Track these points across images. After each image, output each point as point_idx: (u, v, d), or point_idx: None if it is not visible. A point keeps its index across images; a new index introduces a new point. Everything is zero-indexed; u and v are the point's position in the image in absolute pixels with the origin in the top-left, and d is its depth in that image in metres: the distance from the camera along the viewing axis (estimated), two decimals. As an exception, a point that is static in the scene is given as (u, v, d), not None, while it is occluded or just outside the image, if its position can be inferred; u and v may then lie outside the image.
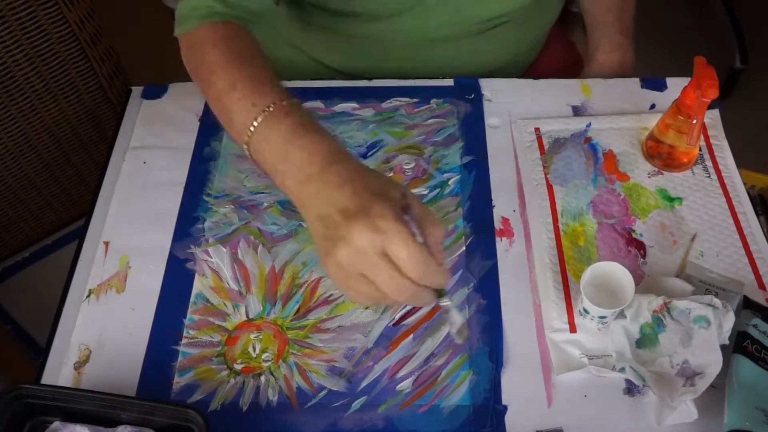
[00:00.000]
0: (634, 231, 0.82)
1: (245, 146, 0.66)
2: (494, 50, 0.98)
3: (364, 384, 0.72)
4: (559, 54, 1.11)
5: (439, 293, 0.59)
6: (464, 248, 0.81)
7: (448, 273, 0.59)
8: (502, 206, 0.85)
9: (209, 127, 0.92)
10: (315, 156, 0.61)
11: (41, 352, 0.76)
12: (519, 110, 0.93)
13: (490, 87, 0.95)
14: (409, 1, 0.88)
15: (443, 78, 0.97)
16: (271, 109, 0.64)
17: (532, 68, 1.10)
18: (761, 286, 0.77)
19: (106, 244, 0.83)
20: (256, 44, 0.74)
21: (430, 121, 0.92)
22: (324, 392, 0.72)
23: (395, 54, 0.96)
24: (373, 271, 0.56)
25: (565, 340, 0.74)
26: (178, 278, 0.80)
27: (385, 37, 0.94)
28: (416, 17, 0.91)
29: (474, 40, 0.96)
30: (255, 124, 0.64)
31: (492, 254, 0.81)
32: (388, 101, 0.94)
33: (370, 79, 0.96)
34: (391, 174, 0.87)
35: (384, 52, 0.96)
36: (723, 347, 0.69)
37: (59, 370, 0.74)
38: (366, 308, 0.77)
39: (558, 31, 1.14)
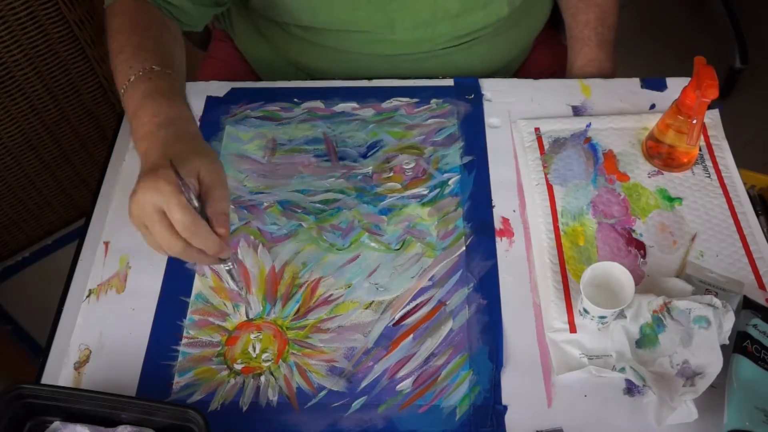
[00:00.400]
0: (634, 231, 0.82)
1: (124, 104, 0.76)
2: (472, 62, 0.99)
3: (364, 384, 0.72)
4: (548, 57, 1.11)
5: (222, 260, 0.69)
6: (464, 248, 0.81)
7: (221, 242, 0.66)
8: (502, 206, 0.85)
9: (209, 127, 0.92)
10: (154, 118, 0.70)
11: (41, 352, 0.76)
12: (519, 110, 0.93)
13: (490, 87, 0.95)
14: (375, 21, 0.91)
15: (443, 78, 0.97)
16: (140, 73, 0.74)
17: (522, 72, 1.10)
18: (761, 286, 0.77)
19: (106, 244, 0.83)
20: (156, 20, 0.82)
21: (430, 121, 0.92)
22: (324, 392, 0.72)
23: (367, 65, 0.98)
24: (150, 224, 0.65)
25: (565, 340, 0.74)
26: (178, 278, 0.80)
27: (355, 50, 0.96)
28: (387, 34, 0.93)
29: (448, 53, 0.97)
30: (126, 83, 0.74)
31: (492, 254, 0.81)
32: (388, 101, 0.94)
33: (370, 79, 0.96)
34: (392, 174, 0.87)
35: (354, 63, 0.97)
36: (723, 347, 0.69)
37: (59, 370, 0.74)
38: (366, 308, 0.77)
39: (549, 34, 1.14)
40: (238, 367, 0.74)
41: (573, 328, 0.74)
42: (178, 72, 0.79)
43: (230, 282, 0.76)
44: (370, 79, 0.96)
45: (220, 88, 0.96)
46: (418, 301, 0.78)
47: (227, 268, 0.72)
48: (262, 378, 0.73)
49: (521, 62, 1.09)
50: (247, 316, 0.77)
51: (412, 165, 0.88)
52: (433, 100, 0.94)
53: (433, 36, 0.95)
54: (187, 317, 0.77)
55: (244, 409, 0.71)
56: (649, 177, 0.86)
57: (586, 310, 0.73)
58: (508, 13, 0.94)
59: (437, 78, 0.97)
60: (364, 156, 0.89)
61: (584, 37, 1.00)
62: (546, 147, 0.89)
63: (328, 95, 0.95)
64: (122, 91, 0.75)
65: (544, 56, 1.11)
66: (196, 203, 0.65)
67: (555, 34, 1.17)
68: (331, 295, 0.78)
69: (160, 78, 0.74)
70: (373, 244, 0.82)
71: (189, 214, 0.63)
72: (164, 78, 0.75)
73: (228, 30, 1.10)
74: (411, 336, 0.75)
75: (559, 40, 1.17)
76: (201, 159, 0.67)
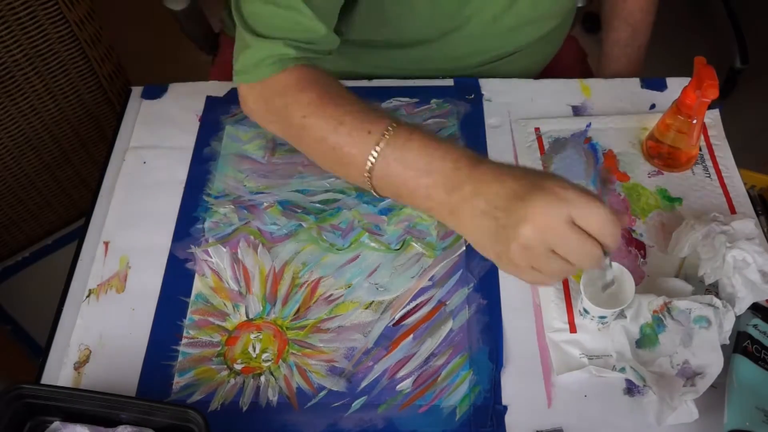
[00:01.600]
0: (634, 231, 0.82)
1: (366, 176, 0.65)
2: (512, 72, 0.99)
3: (364, 384, 0.72)
4: (563, 51, 1.11)
5: (606, 252, 0.60)
6: (464, 248, 0.81)
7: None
8: (502, 206, 0.84)
9: (209, 127, 0.92)
10: (459, 162, 0.61)
11: (41, 352, 0.76)
12: (519, 110, 0.93)
13: (490, 87, 0.95)
14: (440, 29, 0.89)
15: (443, 78, 0.97)
16: (391, 131, 0.64)
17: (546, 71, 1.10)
18: (761, 286, 0.77)
19: (106, 244, 0.83)
20: (337, 81, 0.73)
21: (430, 121, 0.92)
22: (324, 392, 0.72)
23: (402, 68, 0.96)
24: (564, 242, 0.56)
25: (565, 340, 0.74)
26: (178, 278, 0.80)
27: (398, 65, 0.95)
28: (435, 46, 0.91)
29: (490, 68, 0.97)
30: (378, 149, 0.64)
31: (492, 254, 0.81)
32: (388, 101, 0.94)
33: (370, 79, 0.96)
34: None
35: (388, 68, 0.96)
36: (723, 347, 0.69)
37: (59, 370, 0.74)
38: (366, 308, 0.77)
39: (573, 39, 1.15)
40: (238, 367, 0.74)
41: (573, 328, 0.74)
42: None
43: (605, 274, 0.66)
44: (370, 79, 0.96)
45: (220, 88, 0.96)
46: (418, 301, 0.78)
47: (605, 264, 0.63)
48: (262, 378, 0.73)
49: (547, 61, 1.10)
50: (246, 316, 0.77)
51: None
52: (433, 100, 0.94)
53: (481, 50, 0.93)
54: (187, 317, 0.77)
55: (244, 409, 0.71)
56: (649, 177, 0.86)
57: (586, 310, 0.73)
58: (554, 26, 0.94)
59: (437, 78, 0.96)
60: (364, 156, 0.89)
61: (614, 55, 1.03)
62: (546, 147, 0.89)
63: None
64: (371, 161, 0.64)
65: (563, 51, 1.11)
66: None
67: (576, 40, 1.18)
68: (331, 295, 0.78)
69: (416, 128, 0.65)
70: (373, 244, 0.82)
71: (608, 209, 0.56)
72: (417, 127, 0.65)
73: None
74: (411, 336, 0.75)
75: (569, 34, 1.17)
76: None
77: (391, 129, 0.64)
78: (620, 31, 1.02)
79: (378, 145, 0.64)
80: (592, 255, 0.57)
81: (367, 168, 0.65)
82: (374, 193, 0.68)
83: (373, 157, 0.64)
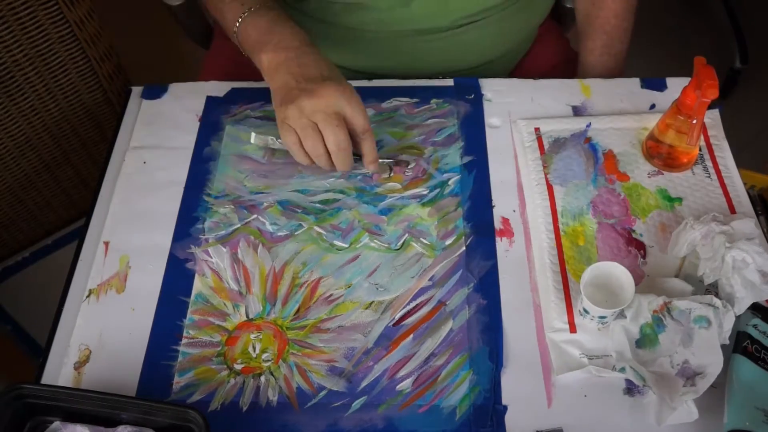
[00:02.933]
0: (634, 231, 0.82)
1: (234, 34, 0.84)
2: (483, 43, 0.98)
3: (364, 384, 0.72)
4: (551, 50, 1.11)
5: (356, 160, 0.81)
6: (464, 248, 0.81)
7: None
8: (502, 206, 0.85)
9: (209, 127, 0.92)
10: (296, 35, 0.80)
11: (41, 352, 0.76)
12: (519, 110, 0.93)
13: (490, 87, 0.95)
14: None
15: (441, 77, 0.97)
16: (259, 6, 0.82)
17: (524, 63, 1.09)
18: (761, 286, 0.77)
19: (106, 244, 0.83)
20: None
21: (430, 121, 0.92)
22: (324, 392, 0.72)
23: (380, 46, 0.97)
24: (326, 121, 0.75)
25: (565, 340, 0.74)
26: (178, 278, 0.80)
27: (369, 28, 0.95)
28: (399, 7, 0.91)
29: (462, 31, 0.96)
30: (241, 16, 0.82)
31: (492, 254, 0.81)
32: (388, 101, 0.94)
33: (369, 78, 0.96)
34: (392, 174, 0.87)
35: (367, 43, 0.97)
36: (723, 347, 0.69)
37: (59, 370, 0.74)
38: (366, 308, 0.77)
39: (551, 27, 1.14)
40: (238, 367, 0.74)
41: (573, 328, 0.74)
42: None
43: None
44: (370, 78, 0.96)
45: (220, 88, 0.96)
46: (418, 301, 0.78)
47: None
48: (262, 378, 0.73)
49: (525, 51, 1.09)
50: (246, 315, 0.77)
51: (412, 165, 0.88)
52: (433, 100, 0.94)
53: (447, 11, 0.93)
54: (187, 317, 0.77)
55: (244, 409, 0.71)
56: (649, 177, 0.86)
57: (586, 310, 0.73)
58: None
59: (437, 78, 0.97)
60: (364, 156, 0.89)
61: (589, 63, 1.01)
62: (546, 147, 0.89)
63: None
64: (237, 25, 0.82)
65: (547, 48, 1.11)
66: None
67: (557, 27, 1.17)
68: (331, 295, 0.78)
69: (280, 9, 0.82)
70: (373, 244, 0.82)
71: (368, 118, 0.77)
72: (283, 9, 0.83)
73: None
74: (411, 336, 0.75)
75: (561, 33, 1.17)
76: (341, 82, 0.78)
77: (258, 5, 0.82)
78: (596, 39, 0.99)
79: (244, 14, 0.82)
80: (338, 142, 0.76)
81: (234, 30, 0.83)
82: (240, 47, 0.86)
83: (238, 23, 0.82)
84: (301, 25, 0.99)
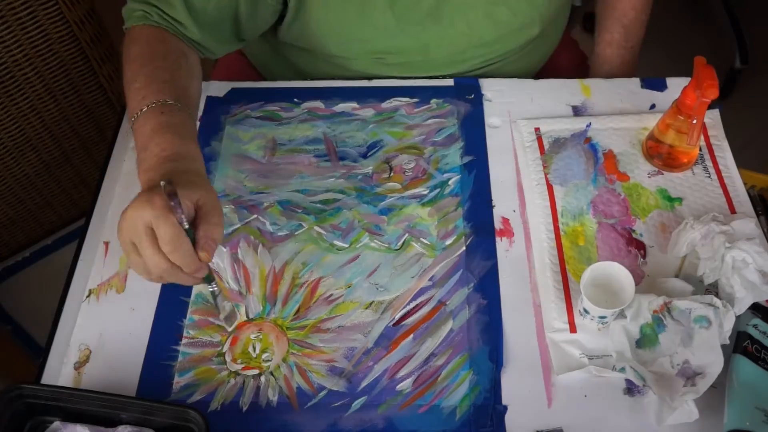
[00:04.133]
0: (634, 231, 0.82)
1: (130, 126, 0.76)
2: (502, 74, 0.99)
3: (364, 384, 0.72)
4: (563, 55, 1.11)
5: (207, 278, 0.69)
6: (464, 248, 0.81)
7: (198, 263, 0.65)
8: (502, 206, 0.85)
9: (209, 127, 0.92)
10: (163, 152, 0.70)
11: (41, 352, 0.75)
12: (519, 110, 0.93)
13: (490, 87, 0.95)
14: (406, 51, 0.91)
15: (443, 78, 0.97)
16: (153, 105, 0.74)
17: (539, 74, 1.10)
18: (761, 286, 0.77)
19: (106, 244, 0.83)
20: (175, 51, 0.81)
21: (430, 121, 0.92)
22: (324, 392, 0.72)
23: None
24: (138, 240, 0.64)
25: (565, 340, 0.74)
26: (178, 278, 0.80)
27: (386, 74, 0.96)
28: (419, 57, 0.93)
29: (481, 74, 0.97)
30: (138, 113, 0.74)
31: (492, 254, 0.81)
32: (388, 101, 0.94)
33: (370, 79, 0.96)
34: (392, 174, 0.87)
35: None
36: (723, 347, 0.69)
37: (59, 370, 0.74)
38: (366, 308, 0.77)
39: (567, 44, 1.15)
40: (238, 367, 0.74)
41: (573, 328, 0.74)
42: (192, 105, 0.79)
43: (226, 304, 0.75)
44: (370, 79, 0.96)
45: (220, 88, 0.96)
46: (418, 301, 0.78)
47: (210, 289, 0.71)
48: (262, 378, 0.73)
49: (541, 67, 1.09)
50: (246, 315, 0.77)
51: (412, 165, 0.88)
52: (433, 100, 0.94)
53: (465, 59, 0.95)
54: (187, 317, 0.77)
55: (244, 409, 0.71)
56: (649, 177, 0.86)
57: (586, 310, 0.73)
58: (539, 32, 0.94)
59: (437, 78, 0.97)
60: (364, 156, 0.89)
61: (607, 55, 1.02)
62: (546, 147, 0.89)
63: (328, 95, 0.95)
64: (132, 119, 0.74)
65: (562, 54, 1.11)
66: (186, 225, 0.64)
67: (566, 31, 1.17)
68: (331, 295, 0.78)
69: (172, 113, 0.74)
70: (373, 244, 0.82)
71: (174, 228, 0.62)
72: (176, 113, 0.74)
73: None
74: (411, 336, 0.75)
75: (570, 38, 1.17)
76: (202, 188, 0.67)
77: (154, 104, 0.74)
78: (613, 31, 1.01)
79: (141, 110, 0.74)
80: (157, 262, 0.63)
81: (131, 125, 0.76)
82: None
83: (134, 118, 0.75)
84: (310, 68, 0.98)
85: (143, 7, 0.81)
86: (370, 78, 0.96)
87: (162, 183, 0.63)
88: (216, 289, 0.71)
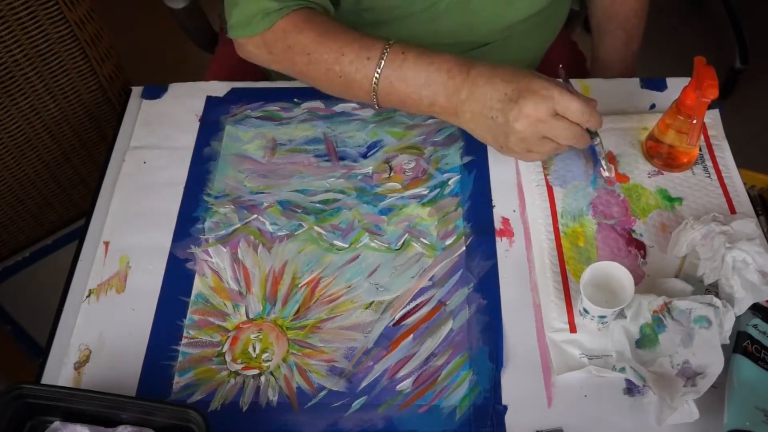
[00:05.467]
0: (634, 231, 0.82)
1: (373, 96, 0.76)
2: (504, 58, 0.98)
3: (364, 384, 0.72)
4: (562, 54, 1.11)
5: (592, 134, 0.78)
6: (464, 248, 0.81)
7: (593, 113, 0.73)
8: (502, 206, 0.85)
9: (209, 127, 0.92)
10: (452, 71, 0.73)
11: (41, 352, 0.76)
12: (519, 110, 0.93)
13: (490, 87, 0.95)
14: (420, 4, 0.88)
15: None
16: (386, 53, 0.74)
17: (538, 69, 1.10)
18: (761, 286, 0.77)
19: (106, 244, 0.83)
20: (329, 17, 0.81)
21: (430, 121, 0.92)
22: (324, 392, 0.72)
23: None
24: (553, 130, 0.72)
25: (565, 340, 0.74)
26: (178, 278, 0.80)
27: (403, 33, 0.94)
28: (426, 21, 0.91)
29: (484, 49, 0.96)
30: (378, 71, 0.74)
31: (492, 254, 0.81)
32: (388, 101, 0.94)
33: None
34: (392, 174, 0.87)
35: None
36: (723, 347, 0.69)
37: (59, 370, 0.74)
38: (366, 308, 0.77)
39: (561, 32, 1.14)
40: (238, 367, 0.74)
41: (573, 328, 0.74)
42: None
43: (602, 160, 0.80)
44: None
45: (220, 88, 0.96)
46: (418, 301, 0.78)
47: (596, 143, 0.79)
48: (262, 378, 0.73)
49: (541, 59, 1.09)
50: (246, 315, 0.76)
51: (412, 165, 0.88)
52: (433, 100, 0.94)
53: (473, 23, 0.92)
54: (187, 317, 0.77)
55: (244, 409, 0.71)
56: (649, 177, 0.86)
57: (586, 310, 0.73)
58: (546, 4, 0.93)
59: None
60: (364, 156, 0.89)
61: (610, 60, 1.03)
62: (546, 147, 0.89)
63: (328, 95, 0.95)
64: (375, 80, 0.74)
65: (561, 52, 1.11)
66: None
67: (564, 30, 1.17)
68: (331, 295, 0.78)
69: (405, 46, 0.75)
70: (373, 244, 0.82)
71: (580, 100, 0.71)
72: (406, 44, 0.75)
73: None
74: (411, 336, 0.75)
75: (568, 37, 1.17)
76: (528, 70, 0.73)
77: (386, 51, 0.73)
78: (615, 36, 1.01)
79: (378, 68, 0.73)
80: (576, 133, 0.73)
81: (372, 89, 0.75)
82: (377, 108, 0.80)
83: (376, 80, 0.73)
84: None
85: (260, 2, 0.78)
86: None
87: (560, 66, 0.74)
88: (599, 138, 0.79)
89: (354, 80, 0.76)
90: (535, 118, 0.71)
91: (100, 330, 0.76)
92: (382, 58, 0.74)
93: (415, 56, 0.74)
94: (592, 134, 0.78)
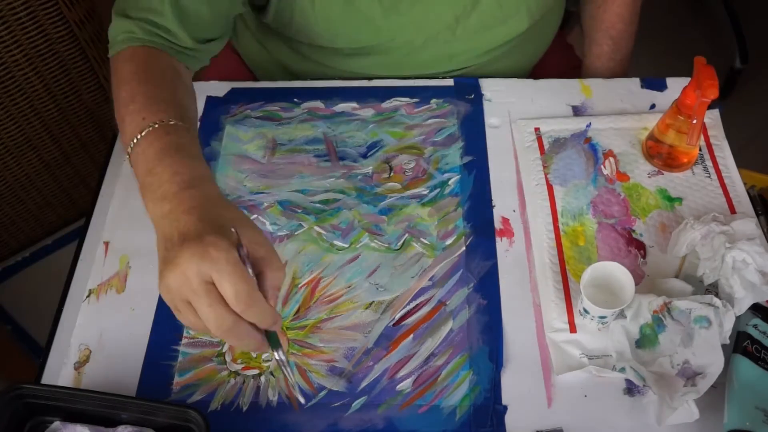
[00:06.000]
0: (634, 231, 0.82)
1: (127, 156, 0.68)
2: (489, 73, 0.98)
3: (364, 384, 0.72)
4: (556, 58, 1.11)
5: (273, 343, 0.58)
6: (464, 248, 0.81)
7: (275, 313, 0.57)
8: (502, 206, 0.85)
9: (209, 127, 0.92)
10: (176, 176, 0.61)
11: (41, 352, 0.76)
12: (519, 110, 0.93)
13: (490, 87, 0.95)
14: (397, 41, 0.90)
15: (443, 78, 0.97)
16: (156, 125, 0.66)
17: (531, 74, 1.10)
18: (761, 286, 0.77)
19: (106, 244, 0.83)
20: (170, 68, 0.77)
21: (430, 121, 0.92)
22: (324, 392, 0.72)
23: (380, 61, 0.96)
24: (194, 298, 0.55)
25: (565, 340, 0.74)
26: (178, 278, 0.80)
27: (372, 73, 0.95)
28: (404, 54, 0.92)
29: (469, 72, 0.97)
30: (138, 137, 0.66)
31: (492, 254, 0.81)
32: (388, 101, 0.94)
33: (370, 79, 0.96)
34: (392, 174, 0.87)
35: (366, 61, 0.96)
36: (723, 347, 0.69)
37: (59, 370, 0.74)
38: (366, 308, 0.77)
39: (556, 36, 1.14)
40: (238, 367, 0.74)
41: (573, 328, 0.74)
42: (195, 127, 0.74)
43: (290, 374, 0.61)
44: (370, 79, 0.96)
45: (220, 88, 0.96)
46: (418, 301, 0.78)
47: (279, 358, 0.59)
48: (262, 378, 0.73)
49: (534, 65, 1.09)
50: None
51: (412, 165, 0.88)
52: (433, 100, 0.94)
53: (452, 53, 0.94)
54: (187, 317, 0.77)
55: (244, 409, 0.71)
56: (649, 177, 0.86)
57: (586, 310, 0.73)
58: (527, 27, 0.93)
59: (437, 78, 0.97)
60: (364, 156, 0.89)
61: (596, 69, 1.02)
62: (546, 147, 0.89)
63: (328, 95, 0.95)
64: (131, 145, 0.67)
65: (552, 57, 1.10)
66: (251, 274, 0.56)
67: (561, 34, 1.17)
68: (331, 295, 0.78)
69: (179, 133, 0.67)
70: (373, 244, 0.82)
71: (247, 283, 0.54)
72: (182, 134, 0.67)
73: (232, 38, 1.08)
74: (411, 336, 0.75)
75: (565, 41, 1.17)
76: (247, 227, 0.59)
77: (158, 124, 0.66)
78: (602, 44, 1.00)
79: (141, 133, 0.66)
80: (221, 319, 0.54)
81: (128, 150, 0.68)
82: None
83: (134, 143, 0.67)
84: (295, 63, 0.97)
85: (128, 26, 0.76)
86: (370, 78, 0.96)
87: (232, 229, 0.56)
88: (283, 357, 0.59)
89: (125, 129, 0.70)
90: (182, 274, 0.54)
91: (100, 330, 0.76)
92: (150, 128, 0.66)
93: (169, 143, 0.65)
94: (273, 343, 0.58)
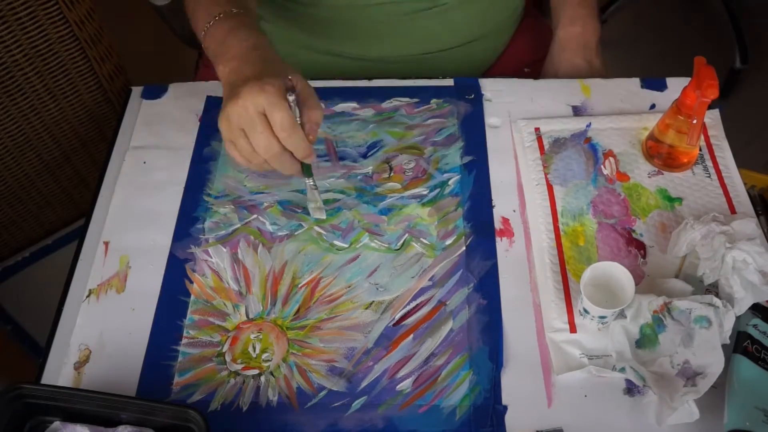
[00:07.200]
0: (634, 231, 0.82)
1: (202, 34, 0.80)
2: (467, 21, 0.98)
3: (364, 384, 0.72)
4: (536, 41, 1.10)
5: (306, 172, 0.76)
6: (464, 248, 0.81)
7: (311, 148, 0.71)
8: (502, 206, 0.85)
9: (209, 127, 0.92)
10: (244, 42, 0.74)
11: (41, 352, 0.76)
12: (519, 110, 0.93)
13: (490, 87, 0.95)
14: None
15: (442, 78, 0.97)
16: (226, 13, 0.78)
17: (508, 51, 1.09)
18: (761, 286, 0.77)
19: (106, 244, 0.83)
20: None
21: (430, 121, 0.92)
22: (324, 392, 0.72)
23: (361, 32, 0.98)
24: (249, 126, 0.68)
25: (565, 340, 0.74)
26: (178, 278, 0.80)
27: (349, 18, 0.96)
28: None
29: (444, 9, 0.97)
30: (210, 22, 0.78)
31: (492, 254, 0.81)
32: (388, 101, 0.94)
33: (370, 79, 0.96)
34: (392, 174, 0.87)
35: (348, 30, 0.98)
36: (723, 347, 0.69)
37: (59, 370, 0.74)
38: (366, 308, 0.77)
39: (535, 17, 1.14)
40: (238, 367, 0.74)
41: (573, 328, 0.74)
42: (253, 14, 0.84)
43: (315, 197, 0.80)
44: (370, 79, 0.96)
45: (220, 88, 0.96)
46: (418, 301, 0.78)
47: (311, 183, 0.77)
48: (262, 378, 0.73)
49: (510, 34, 1.08)
50: (246, 315, 0.76)
51: (412, 165, 0.88)
52: (433, 100, 0.94)
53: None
54: (187, 317, 0.77)
55: (244, 409, 0.71)
56: (649, 177, 0.86)
57: (586, 310, 0.73)
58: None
59: (437, 78, 0.97)
60: (364, 156, 0.89)
61: (568, 15, 1.01)
62: (546, 147, 0.89)
63: (328, 95, 0.95)
64: (203, 31, 0.78)
65: (532, 40, 1.10)
66: (296, 112, 0.69)
67: (541, 17, 1.16)
68: (331, 295, 0.78)
69: (244, 16, 0.78)
70: (373, 244, 0.82)
71: (290, 114, 0.67)
72: (247, 17, 0.79)
73: None
74: (411, 336, 0.75)
75: (544, 24, 1.16)
76: (299, 78, 0.72)
77: (223, 14, 0.78)
78: (566, 9, 1.00)
79: (213, 18, 0.78)
80: (269, 145, 0.69)
81: (201, 35, 0.79)
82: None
83: (205, 29, 0.78)
84: (282, 9, 0.99)
85: None
86: (369, 78, 0.96)
87: (289, 78, 0.69)
88: (312, 182, 0.78)
89: (198, 21, 0.81)
90: (242, 105, 0.67)
91: (100, 330, 0.76)
92: (218, 17, 0.78)
93: (235, 24, 0.77)
94: (306, 171, 0.76)
